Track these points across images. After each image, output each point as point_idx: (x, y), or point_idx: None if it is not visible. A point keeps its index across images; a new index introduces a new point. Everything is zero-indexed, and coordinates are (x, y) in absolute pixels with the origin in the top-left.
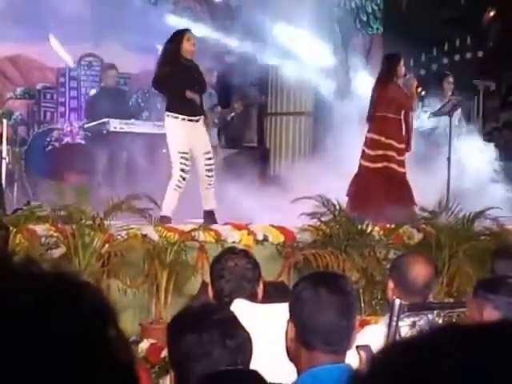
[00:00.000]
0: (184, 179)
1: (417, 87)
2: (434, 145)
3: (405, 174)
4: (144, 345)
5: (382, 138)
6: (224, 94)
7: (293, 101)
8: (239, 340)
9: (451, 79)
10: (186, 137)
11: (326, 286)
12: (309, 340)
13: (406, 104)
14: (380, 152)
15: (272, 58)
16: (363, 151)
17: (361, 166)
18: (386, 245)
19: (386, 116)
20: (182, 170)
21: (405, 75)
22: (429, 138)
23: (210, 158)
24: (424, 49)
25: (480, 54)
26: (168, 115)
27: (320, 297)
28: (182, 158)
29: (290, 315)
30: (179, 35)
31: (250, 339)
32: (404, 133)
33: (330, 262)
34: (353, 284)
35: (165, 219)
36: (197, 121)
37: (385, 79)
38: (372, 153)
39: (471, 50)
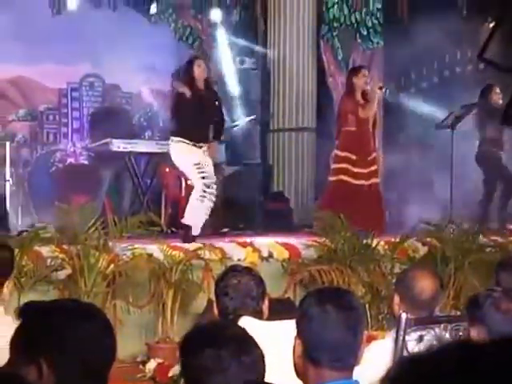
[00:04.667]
0: (209, 187)
1: None
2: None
3: (362, 186)
4: (151, 364)
5: (338, 152)
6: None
7: (295, 117)
8: (254, 356)
9: (497, 90)
10: (195, 154)
11: (332, 302)
12: (316, 356)
13: (362, 117)
14: (336, 166)
15: (274, 74)
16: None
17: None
18: (391, 259)
19: (345, 130)
20: (203, 178)
21: (380, 88)
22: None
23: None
24: (424, 62)
25: (481, 66)
26: (173, 140)
27: (326, 313)
28: (197, 168)
29: (297, 332)
30: (191, 61)
31: (263, 356)
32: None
33: (336, 278)
34: (359, 299)
35: (186, 228)
36: (201, 147)
37: (345, 93)
38: (332, 166)
39: (472, 63)
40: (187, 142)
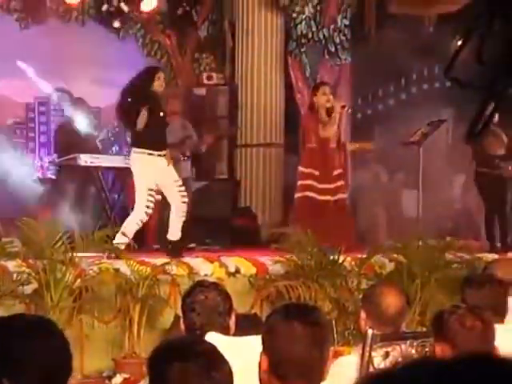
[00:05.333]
0: (147, 215)
1: None
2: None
3: (329, 201)
4: (117, 379)
5: (302, 168)
6: (195, 126)
7: (263, 132)
8: (223, 372)
9: None
10: (154, 172)
11: (298, 317)
12: (282, 372)
13: (323, 136)
14: (301, 182)
15: (242, 90)
16: None
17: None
18: (357, 275)
19: (308, 146)
20: (147, 207)
21: (343, 107)
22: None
23: (180, 185)
24: (392, 78)
25: (448, 83)
26: (134, 151)
27: (292, 329)
28: (149, 194)
29: (263, 347)
30: (150, 73)
31: (231, 372)
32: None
33: (302, 294)
34: (325, 315)
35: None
36: (163, 155)
37: (307, 110)
38: (298, 183)
39: (439, 80)
40: (150, 151)
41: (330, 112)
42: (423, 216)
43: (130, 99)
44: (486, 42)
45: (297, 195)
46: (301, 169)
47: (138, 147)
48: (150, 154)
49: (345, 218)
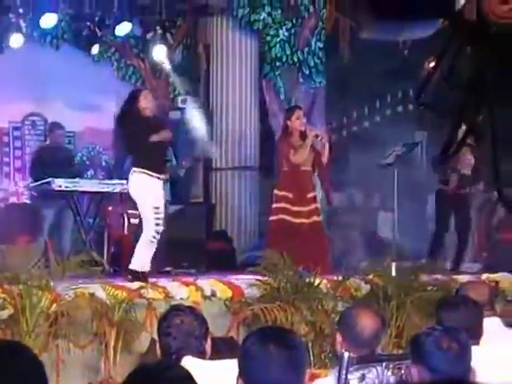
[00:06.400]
0: (158, 233)
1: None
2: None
3: (304, 224)
4: None
5: (277, 191)
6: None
7: (238, 156)
8: None
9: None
10: (156, 192)
11: (274, 341)
12: None
13: (294, 160)
14: (275, 205)
15: (217, 113)
16: None
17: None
18: (333, 297)
19: (283, 170)
20: (157, 225)
21: (316, 136)
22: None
23: (158, 212)
24: (367, 101)
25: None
26: (135, 171)
27: (268, 353)
28: (155, 213)
29: (239, 371)
30: (136, 94)
31: None
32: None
33: (279, 317)
34: (301, 338)
35: (137, 274)
36: (160, 179)
37: (281, 134)
38: (273, 206)
39: (413, 102)
40: (149, 173)
41: (303, 136)
42: (398, 237)
43: (123, 125)
44: (456, 68)
45: (271, 218)
46: (275, 192)
47: (139, 167)
48: (150, 176)
49: (320, 240)
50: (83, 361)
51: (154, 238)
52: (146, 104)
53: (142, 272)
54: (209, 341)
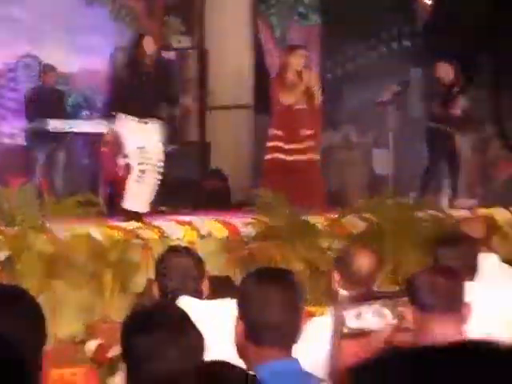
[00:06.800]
0: (144, 172)
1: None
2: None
3: (298, 161)
4: (90, 345)
5: (271, 130)
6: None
7: (233, 95)
8: (192, 339)
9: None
10: (141, 135)
11: (272, 282)
12: (257, 336)
13: (302, 94)
14: (270, 144)
15: (210, 52)
16: None
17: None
18: (329, 235)
19: (277, 108)
20: (140, 164)
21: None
22: None
23: (159, 172)
24: (362, 39)
25: (417, 41)
26: (119, 115)
27: (267, 293)
28: (140, 152)
29: (239, 313)
30: (137, 39)
31: (201, 338)
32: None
33: (275, 254)
34: (298, 278)
35: (129, 214)
36: (146, 123)
37: (278, 72)
38: (267, 144)
39: (408, 38)
40: (134, 118)
41: (300, 75)
42: (394, 174)
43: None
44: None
45: (266, 157)
46: (270, 130)
47: (121, 111)
48: (133, 120)
49: (316, 178)
50: (80, 302)
51: (140, 177)
52: (148, 48)
53: (135, 212)
54: (206, 281)
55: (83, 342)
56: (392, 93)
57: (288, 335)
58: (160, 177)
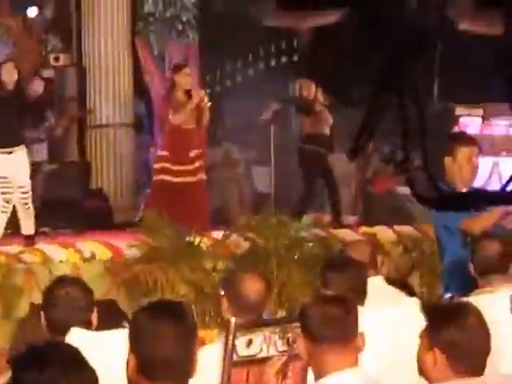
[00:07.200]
0: (8, 202)
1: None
2: None
3: (186, 184)
4: None
5: (159, 152)
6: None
7: (112, 113)
8: (84, 377)
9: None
10: (4, 165)
11: (163, 315)
12: (149, 372)
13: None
14: (157, 165)
15: (90, 70)
16: None
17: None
18: (213, 256)
19: (164, 130)
20: (4, 193)
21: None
22: None
23: (25, 192)
24: (240, 55)
25: (295, 57)
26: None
27: (159, 327)
28: (1, 182)
29: (130, 347)
30: None
31: (95, 374)
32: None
33: (159, 277)
34: (191, 309)
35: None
36: (10, 152)
37: (166, 92)
38: (154, 166)
39: (287, 54)
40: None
41: (188, 94)
42: (275, 192)
43: None
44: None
45: (154, 178)
46: (158, 152)
47: None
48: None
49: (202, 197)
50: None
51: (4, 207)
52: (8, 76)
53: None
54: (95, 311)
55: None
56: (273, 111)
57: (182, 370)
58: (29, 201)
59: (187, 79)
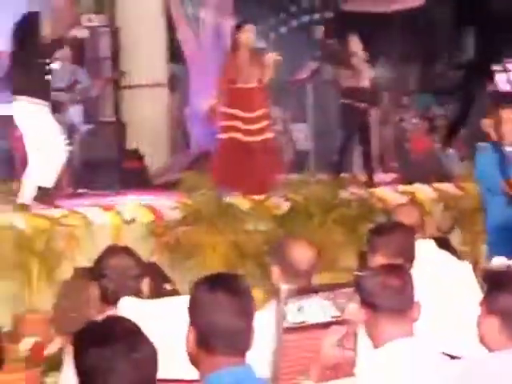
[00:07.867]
0: (41, 150)
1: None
2: None
3: (254, 142)
4: (26, 344)
5: (228, 109)
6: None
7: (146, 73)
8: (144, 353)
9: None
10: (39, 121)
11: (222, 288)
12: (210, 344)
13: (254, 72)
14: (225, 123)
15: (123, 31)
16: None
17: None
18: (254, 217)
19: (230, 87)
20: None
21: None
22: None
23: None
24: (272, 12)
25: (328, 14)
26: (17, 99)
27: (217, 300)
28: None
29: (190, 320)
30: (35, 17)
31: (155, 351)
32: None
33: (201, 239)
34: (248, 284)
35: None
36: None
37: (230, 51)
38: (221, 124)
39: (320, 11)
40: (33, 100)
41: (252, 53)
42: (315, 151)
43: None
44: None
45: (221, 136)
46: (223, 109)
47: (21, 94)
48: (33, 103)
49: (271, 157)
50: (7, 293)
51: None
52: (47, 29)
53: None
54: (146, 280)
55: (11, 334)
56: (310, 70)
57: (241, 342)
58: (64, 154)
59: (250, 36)
